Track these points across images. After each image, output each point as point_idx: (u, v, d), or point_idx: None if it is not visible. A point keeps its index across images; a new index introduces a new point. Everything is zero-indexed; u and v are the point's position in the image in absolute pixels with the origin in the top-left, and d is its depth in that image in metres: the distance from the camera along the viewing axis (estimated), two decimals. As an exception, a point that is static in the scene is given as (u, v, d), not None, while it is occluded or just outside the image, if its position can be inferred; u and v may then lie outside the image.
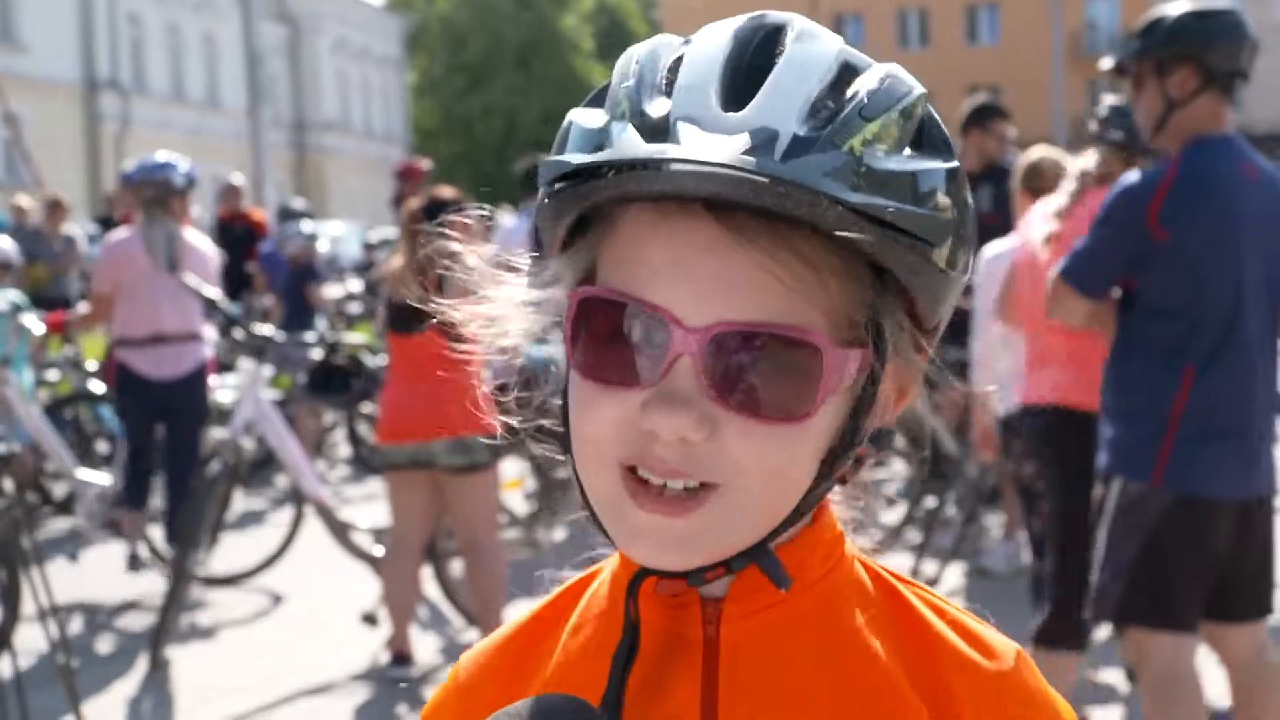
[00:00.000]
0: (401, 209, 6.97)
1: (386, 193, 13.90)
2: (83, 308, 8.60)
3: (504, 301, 1.17)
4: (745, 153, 1.01)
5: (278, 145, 45.99)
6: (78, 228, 14.92)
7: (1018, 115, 8.69)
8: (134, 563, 8.00)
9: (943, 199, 1.08)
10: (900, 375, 1.13)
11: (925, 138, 1.10)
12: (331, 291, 12.88)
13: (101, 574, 8.42)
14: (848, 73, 1.09)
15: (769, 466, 1.06)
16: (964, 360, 7.96)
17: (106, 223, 16.00)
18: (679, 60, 1.10)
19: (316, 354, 9.91)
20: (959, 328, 7.83)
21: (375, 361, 10.17)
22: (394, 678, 6.33)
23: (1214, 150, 4.24)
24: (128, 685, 6.55)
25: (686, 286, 1.04)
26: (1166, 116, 4.29)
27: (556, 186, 1.08)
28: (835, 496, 1.20)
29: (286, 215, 14.31)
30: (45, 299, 13.36)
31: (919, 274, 1.07)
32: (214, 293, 7.37)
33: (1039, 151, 6.34)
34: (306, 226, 12.75)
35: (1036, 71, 48.07)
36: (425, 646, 6.89)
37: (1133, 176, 4.33)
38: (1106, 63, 4.62)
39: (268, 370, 7.48)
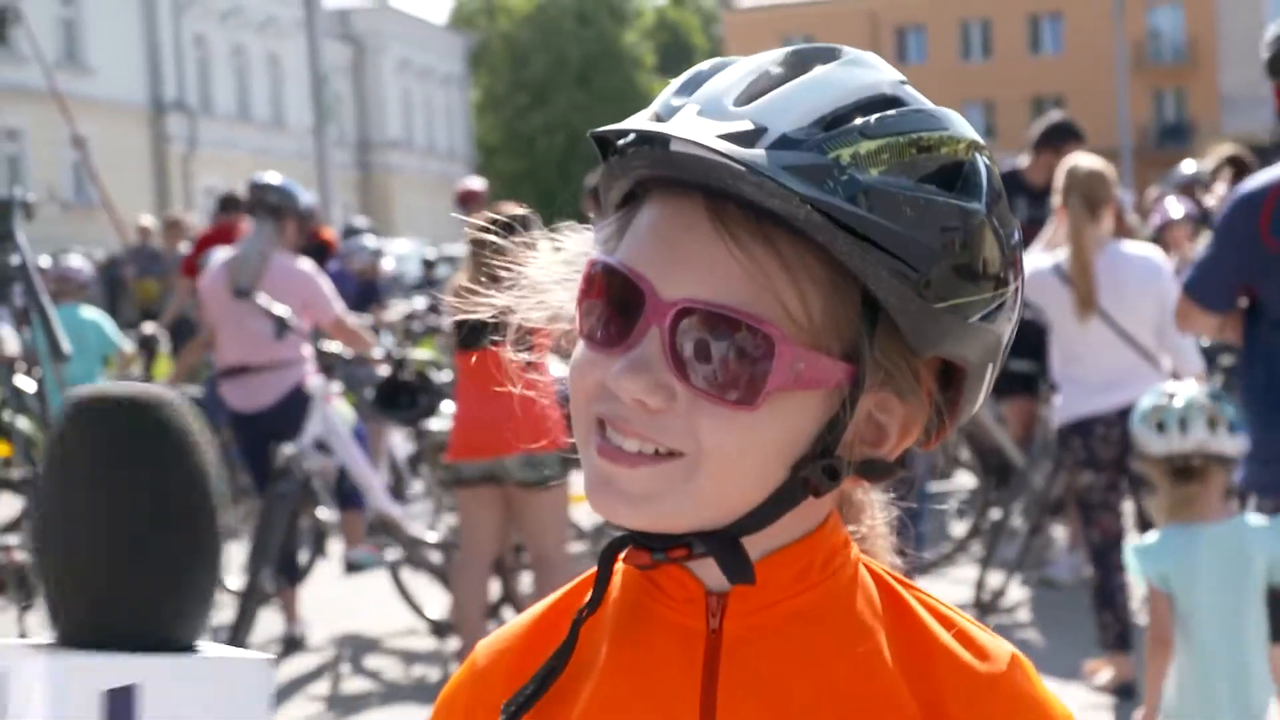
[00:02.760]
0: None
1: (450, 210, 14.06)
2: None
3: (543, 269, 1.23)
4: (722, 136, 1.05)
5: (343, 164, 46.24)
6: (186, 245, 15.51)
7: (1082, 124, 8.55)
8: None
9: (946, 233, 1.07)
10: (900, 411, 1.14)
11: (953, 180, 1.09)
12: (396, 310, 13.01)
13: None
14: (884, 102, 1.10)
15: (722, 448, 1.08)
16: (1030, 373, 7.94)
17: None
18: (723, 66, 1.15)
19: (383, 370, 9.98)
20: (1025, 341, 7.80)
21: (441, 377, 10.24)
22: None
23: None
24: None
25: (665, 259, 1.10)
26: None
27: (607, 161, 1.16)
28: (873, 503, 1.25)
29: (351, 233, 14.50)
30: (158, 314, 13.99)
31: (900, 299, 1.07)
32: (282, 310, 7.27)
33: (1087, 162, 5.96)
34: (370, 242, 12.87)
35: (1100, 81, 47.68)
36: (494, 659, 6.91)
37: (1249, 184, 4.20)
38: None
39: (336, 386, 7.51)
